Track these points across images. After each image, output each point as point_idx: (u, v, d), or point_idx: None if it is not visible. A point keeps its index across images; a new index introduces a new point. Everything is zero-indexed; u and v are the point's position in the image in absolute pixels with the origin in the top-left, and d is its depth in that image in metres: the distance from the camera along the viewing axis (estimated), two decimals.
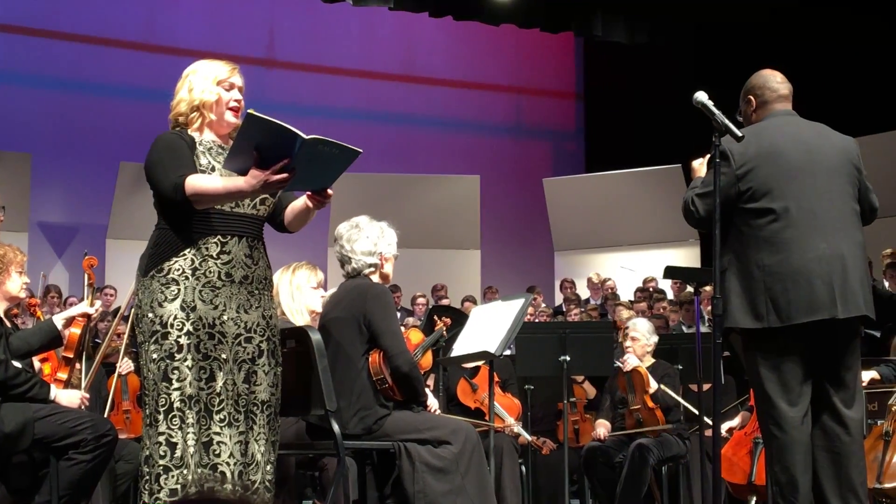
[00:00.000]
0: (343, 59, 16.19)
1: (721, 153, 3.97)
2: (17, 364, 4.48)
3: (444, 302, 12.07)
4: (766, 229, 3.95)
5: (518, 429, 6.66)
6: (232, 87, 3.73)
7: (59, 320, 4.83)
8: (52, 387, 4.58)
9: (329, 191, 3.57)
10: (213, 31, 15.12)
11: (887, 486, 5.13)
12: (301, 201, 3.71)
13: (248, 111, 3.33)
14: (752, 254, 3.96)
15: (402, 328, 5.28)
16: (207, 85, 3.70)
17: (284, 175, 3.36)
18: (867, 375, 5.57)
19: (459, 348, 5.28)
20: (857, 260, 3.98)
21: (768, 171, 3.97)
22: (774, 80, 4.19)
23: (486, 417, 5.92)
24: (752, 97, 4.21)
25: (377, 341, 4.48)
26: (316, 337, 4.21)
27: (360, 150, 3.44)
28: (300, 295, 4.92)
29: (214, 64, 3.74)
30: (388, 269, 4.72)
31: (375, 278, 4.67)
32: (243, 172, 3.42)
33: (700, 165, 4.31)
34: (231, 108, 3.72)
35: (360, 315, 4.48)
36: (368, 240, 4.63)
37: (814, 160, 4.01)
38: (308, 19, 15.63)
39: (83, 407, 4.70)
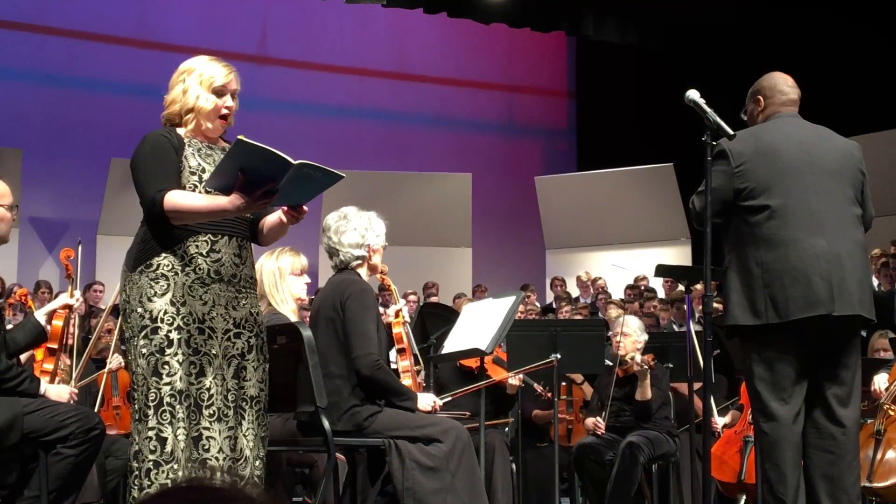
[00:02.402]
0: (335, 56, 16.18)
1: (720, 152, 4.00)
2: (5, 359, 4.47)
3: (434, 299, 12.05)
4: (764, 227, 3.96)
5: (523, 376, 6.49)
6: (226, 92, 3.65)
7: (41, 316, 4.82)
8: (43, 381, 4.57)
9: (304, 207, 3.56)
10: (205, 28, 15.10)
11: (878, 484, 5.14)
12: (275, 216, 3.68)
13: (238, 137, 3.29)
14: (750, 251, 3.98)
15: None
16: (202, 91, 3.62)
17: (268, 199, 3.37)
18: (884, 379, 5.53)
19: (450, 345, 5.27)
20: (855, 259, 3.98)
21: (765, 169, 3.98)
22: (786, 84, 4.21)
23: (488, 373, 5.82)
24: (761, 97, 4.22)
25: (348, 339, 4.46)
26: (307, 333, 4.20)
27: (343, 175, 3.46)
28: (283, 282, 4.88)
29: (212, 66, 3.66)
30: (377, 260, 4.69)
31: (363, 271, 4.64)
32: (225, 191, 3.40)
33: None
34: (221, 117, 3.66)
35: (342, 310, 4.46)
36: (356, 232, 4.60)
37: (812, 160, 4.02)
38: (301, 16, 15.62)
39: (72, 402, 4.68)
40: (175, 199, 3.47)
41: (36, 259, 13.74)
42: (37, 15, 14.44)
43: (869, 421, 5.35)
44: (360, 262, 4.63)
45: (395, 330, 5.27)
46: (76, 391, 4.89)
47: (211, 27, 15.16)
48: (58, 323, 5.02)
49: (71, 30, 14.63)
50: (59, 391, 4.60)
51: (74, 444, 4.25)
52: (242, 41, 15.26)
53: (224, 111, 3.66)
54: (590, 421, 6.67)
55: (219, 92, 3.64)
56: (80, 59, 14.62)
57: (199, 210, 3.48)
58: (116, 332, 6.36)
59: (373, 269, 4.70)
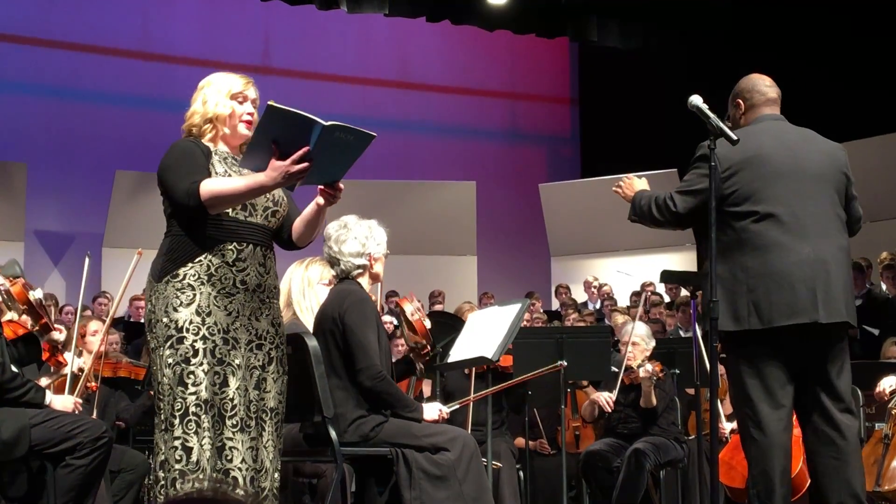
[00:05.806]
0: (338, 66, 16.20)
1: (703, 156, 3.98)
2: (14, 368, 4.48)
3: (439, 308, 12.04)
4: (750, 232, 3.94)
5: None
6: (245, 99, 3.76)
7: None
8: (48, 392, 4.58)
9: (340, 184, 3.58)
10: (208, 39, 15.13)
11: (886, 488, 5.14)
12: (311, 206, 3.72)
13: (269, 103, 3.33)
14: (736, 256, 3.95)
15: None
16: (221, 98, 3.73)
17: (305, 164, 3.38)
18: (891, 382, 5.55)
19: (456, 354, 5.26)
20: (840, 265, 3.97)
21: (752, 174, 3.97)
22: (763, 84, 4.21)
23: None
24: (740, 101, 4.21)
25: (349, 352, 4.45)
26: (313, 344, 4.20)
27: (375, 134, 3.48)
28: (311, 291, 4.89)
29: (229, 77, 3.79)
30: (378, 269, 4.67)
31: (365, 280, 4.63)
32: (261, 169, 3.44)
33: (630, 181, 4.35)
34: (244, 122, 3.74)
35: (341, 323, 4.46)
36: (356, 241, 4.59)
37: (799, 165, 4.00)
38: (303, 26, 15.64)
39: (77, 412, 4.69)
40: (211, 185, 3.52)
41: (41, 272, 13.73)
42: (40, 28, 14.48)
43: (878, 426, 5.34)
44: (361, 271, 4.61)
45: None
46: (80, 402, 4.90)
47: (214, 39, 15.18)
48: (25, 318, 5.10)
49: (75, 43, 14.66)
50: (64, 402, 4.61)
51: (84, 454, 4.26)
52: (245, 52, 15.29)
53: (247, 117, 3.74)
54: (600, 396, 6.60)
55: (237, 98, 3.75)
56: (84, 73, 14.65)
57: (237, 191, 3.51)
58: (102, 334, 6.29)
59: (374, 278, 4.69)
